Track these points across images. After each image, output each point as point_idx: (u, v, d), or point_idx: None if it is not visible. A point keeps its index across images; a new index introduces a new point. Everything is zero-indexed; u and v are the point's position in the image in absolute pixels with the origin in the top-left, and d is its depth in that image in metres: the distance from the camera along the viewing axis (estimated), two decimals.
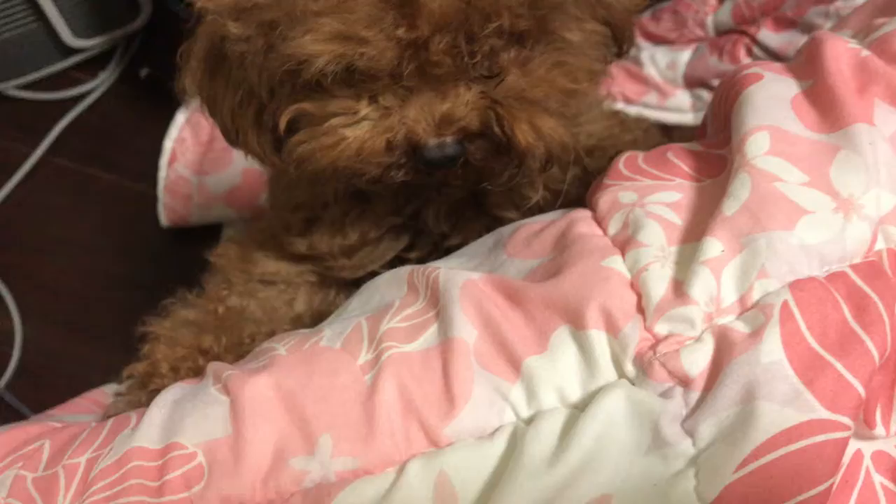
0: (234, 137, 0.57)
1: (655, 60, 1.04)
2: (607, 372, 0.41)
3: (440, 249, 0.62)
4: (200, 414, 0.43)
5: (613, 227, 0.46)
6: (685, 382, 0.39)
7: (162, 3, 1.16)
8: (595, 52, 0.53)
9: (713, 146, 0.51)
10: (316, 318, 0.62)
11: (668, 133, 0.77)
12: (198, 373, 0.55)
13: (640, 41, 1.08)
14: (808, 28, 0.94)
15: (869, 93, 0.48)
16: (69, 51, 1.23)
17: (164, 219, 1.15)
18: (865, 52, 0.50)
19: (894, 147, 0.46)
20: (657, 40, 1.07)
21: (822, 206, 0.42)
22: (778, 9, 0.98)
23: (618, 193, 0.48)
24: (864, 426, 0.39)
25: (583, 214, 0.49)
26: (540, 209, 0.61)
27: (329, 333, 0.46)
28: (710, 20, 1.04)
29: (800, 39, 0.91)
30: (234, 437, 0.41)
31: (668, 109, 1.03)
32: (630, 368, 0.41)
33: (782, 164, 0.44)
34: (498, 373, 0.42)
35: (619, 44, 0.56)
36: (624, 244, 0.45)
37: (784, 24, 0.96)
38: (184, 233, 1.16)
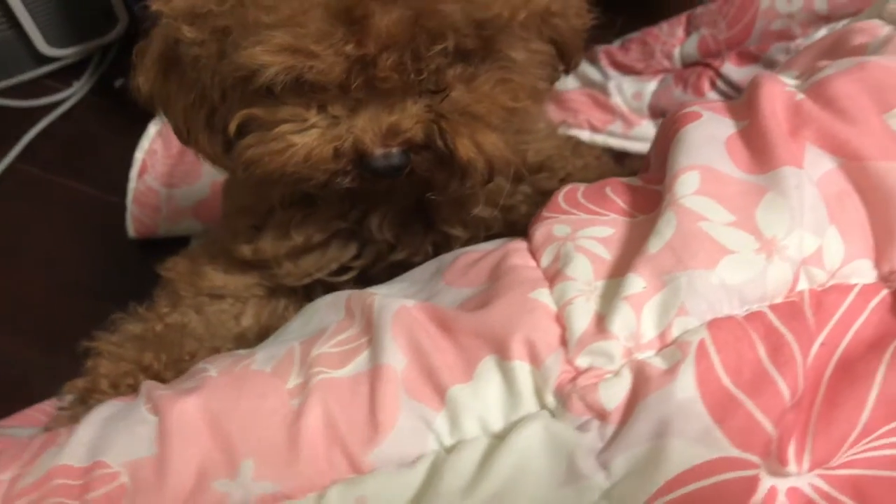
0: (186, 137, 0.58)
1: (622, 90, 1.06)
2: (529, 403, 0.41)
3: (386, 262, 0.63)
4: (128, 433, 0.43)
5: (545, 260, 0.47)
6: (602, 416, 0.40)
7: (139, 15, 1.17)
8: (539, 70, 0.54)
9: (652, 181, 0.52)
10: (263, 333, 0.63)
11: (622, 161, 0.78)
12: (138, 389, 0.56)
13: (608, 70, 1.10)
14: (769, 64, 0.96)
15: (801, 136, 0.49)
16: (43, 59, 1.23)
17: (131, 230, 1.15)
18: (800, 96, 0.51)
19: (822, 190, 0.47)
20: (625, 70, 1.09)
21: (745, 246, 0.43)
22: (742, 43, 1.00)
23: (553, 226, 0.49)
24: (778, 463, 0.40)
25: (519, 246, 0.50)
26: (487, 226, 0.62)
27: (261, 356, 0.47)
28: (677, 52, 1.06)
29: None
30: (159, 458, 0.42)
31: (632, 138, 1.04)
32: (551, 400, 0.41)
33: (709, 203, 0.45)
34: (424, 401, 0.42)
35: (566, 62, 0.57)
36: (553, 277, 0.45)
37: (747, 58, 0.98)
38: (151, 245, 1.15)
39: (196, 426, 0.42)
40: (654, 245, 0.44)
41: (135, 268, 1.15)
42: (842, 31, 0.62)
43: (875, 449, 0.40)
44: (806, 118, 0.49)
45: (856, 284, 0.45)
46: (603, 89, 1.07)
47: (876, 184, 0.46)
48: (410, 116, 0.49)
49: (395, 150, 0.49)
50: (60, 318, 1.07)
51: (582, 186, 0.54)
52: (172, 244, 1.13)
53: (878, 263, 0.46)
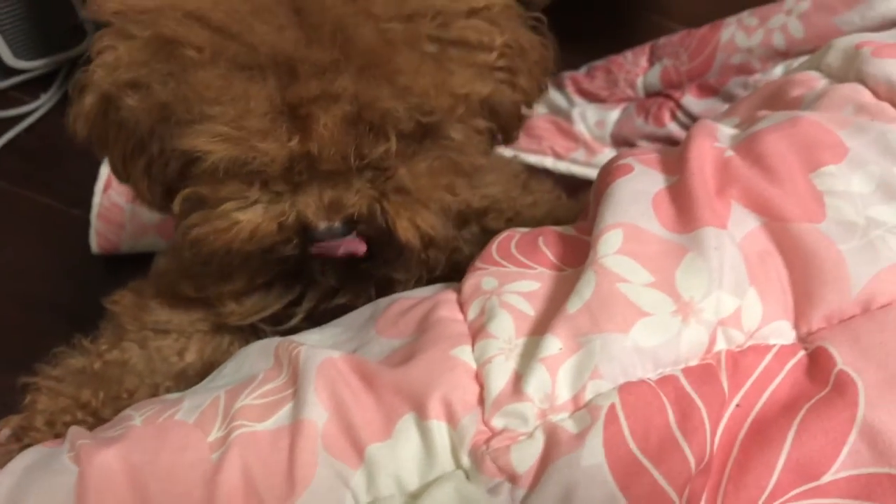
0: (124, 179, 0.58)
1: (585, 117, 1.07)
2: (445, 463, 0.42)
3: (330, 307, 0.63)
4: (46, 485, 0.43)
5: (472, 313, 0.47)
6: (513, 479, 0.40)
7: None
8: (479, 147, 0.56)
9: (585, 231, 0.53)
10: (206, 368, 0.63)
11: (576, 193, 0.79)
12: (77, 426, 0.56)
13: (574, 97, 1.11)
14: (728, 97, 0.97)
15: (727, 194, 0.50)
16: (10, 71, 1.22)
17: (95, 245, 1.15)
18: (729, 153, 0.52)
19: (745, 249, 0.48)
20: (590, 97, 1.10)
21: (662, 308, 0.44)
22: (703, 76, 1.01)
23: (482, 279, 0.49)
24: None
25: (449, 297, 0.50)
26: (430, 269, 0.63)
27: (187, 405, 0.47)
28: (640, 81, 1.07)
29: (720, 107, 0.94)
30: None
31: (594, 166, 1.05)
32: (466, 460, 0.42)
33: (630, 263, 0.45)
34: (342, 458, 0.43)
35: (506, 135, 0.59)
36: (476, 333, 0.46)
37: (707, 91, 0.99)
38: (114, 260, 1.15)
39: (115, 479, 0.43)
40: (573, 305, 0.44)
41: (97, 284, 1.14)
42: (782, 81, 0.63)
43: None
44: (733, 176, 0.50)
45: (774, 345, 0.46)
46: (567, 116, 1.08)
47: (797, 244, 0.47)
48: (354, 192, 0.51)
49: (338, 223, 0.51)
50: (18, 334, 1.07)
51: (518, 234, 0.54)
52: (135, 261, 1.12)
53: (796, 324, 0.46)
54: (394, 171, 0.51)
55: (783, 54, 0.95)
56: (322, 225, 0.51)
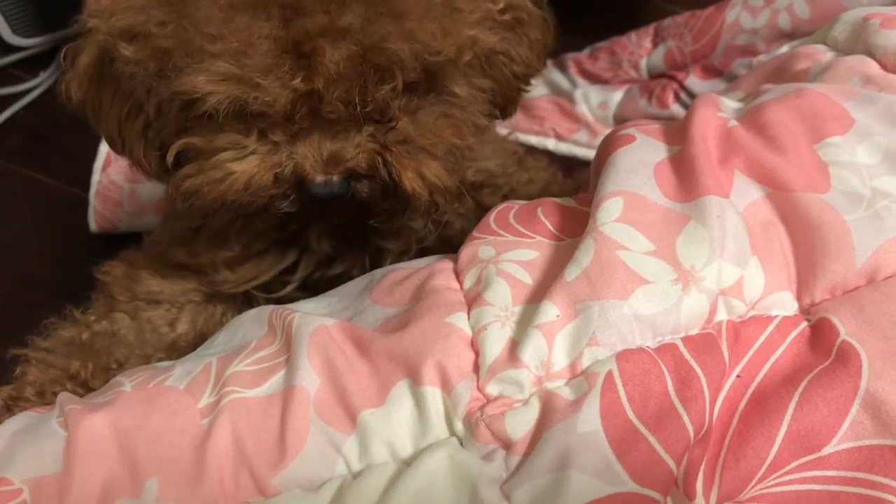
0: (119, 147, 0.57)
1: (588, 99, 1.05)
2: (439, 429, 0.41)
3: (325, 276, 0.63)
4: (35, 448, 0.42)
5: (468, 282, 0.47)
6: (507, 446, 0.39)
7: None
8: (480, 107, 0.55)
9: (585, 203, 0.52)
10: (199, 339, 0.62)
11: (572, 173, 0.78)
12: None
13: (577, 78, 1.10)
14: (732, 79, 0.96)
15: (730, 164, 0.49)
16: (10, 48, 1.22)
17: (93, 224, 1.14)
18: (733, 123, 0.51)
19: (748, 219, 0.47)
20: (593, 79, 1.09)
21: (662, 276, 0.43)
22: (707, 57, 1.00)
23: (479, 248, 0.48)
24: (685, 497, 0.40)
25: (445, 266, 0.49)
26: (419, 239, 0.62)
27: (178, 372, 0.46)
28: (643, 63, 1.06)
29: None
30: (63, 475, 0.41)
31: (596, 148, 1.04)
32: (460, 427, 0.41)
33: (630, 231, 0.44)
34: (334, 424, 0.42)
35: (501, 109, 0.58)
36: (472, 300, 0.45)
37: (711, 72, 0.98)
38: (113, 239, 1.14)
39: (104, 443, 0.42)
40: (571, 272, 0.43)
41: (94, 262, 1.14)
42: (787, 55, 0.62)
43: (783, 484, 0.40)
44: (735, 146, 0.49)
45: (776, 316, 0.45)
46: (570, 97, 1.07)
47: (801, 214, 0.46)
48: (354, 145, 0.49)
49: (335, 177, 0.49)
50: (14, 311, 1.06)
51: (517, 205, 0.53)
52: (134, 239, 1.12)
53: (799, 296, 0.45)
54: (396, 122, 0.49)
55: (788, 35, 0.94)
56: (319, 178, 0.49)
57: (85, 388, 0.58)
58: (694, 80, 0.99)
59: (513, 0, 0.53)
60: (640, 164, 0.48)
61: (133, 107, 0.54)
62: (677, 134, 0.51)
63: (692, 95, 0.98)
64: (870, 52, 0.55)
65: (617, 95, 1.05)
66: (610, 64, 1.08)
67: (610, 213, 0.45)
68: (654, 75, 1.05)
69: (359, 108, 0.47)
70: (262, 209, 0.52)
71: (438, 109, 0.51)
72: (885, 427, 0.39)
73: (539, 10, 0.58)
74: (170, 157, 0.51)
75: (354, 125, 0.49)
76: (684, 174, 0.47)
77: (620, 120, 1.04)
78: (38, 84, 1.25)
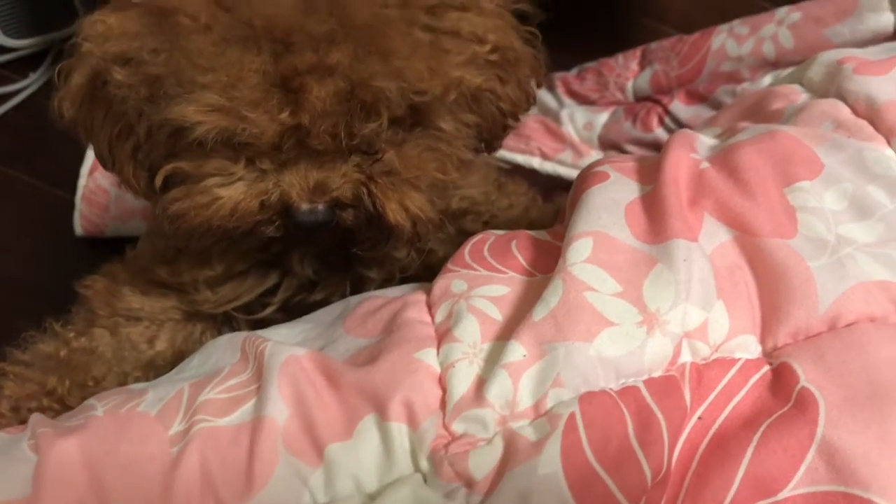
0: (110, 166, 0.58)
1: (574, 119, 1.06)
2: (404, 465, 0.42)
3: (306, 301, 0.63)
4: (4, 472, 0.43)
5: (439, 316, 0.47)
6: (469, 484, 0.40)
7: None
8: (466, 141, 0.56)
9: (558, 237, 0.53)
10: (177, 357, 0.63)
11: (552, 196, 0.79)
12: (43, 412, 0.55)
13: (564, 98, 1.11)
14: (716, 105, 0.97)
15: (700, 206, 0.50)
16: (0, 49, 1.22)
17: (78, 228, 1.14)
18: (705, 165, 0.52)
19: (715, 262, 0.48)
20: (579, 99, 1.10)
21: (628, 318, 0.44)
22: (692, 82, 1.01)
23: (452, 281, 0.49)
24: None
25: (418, 298, 0.50)
26: (402, 268, 0.63)
27: (151, 397, 0.47)
28: (630, 85, 1.07)
29: (708, 115, 0.94)
30: (31, 500, 0.42)
31: (581, 168, 1.04)
32: (424, 464, 0.42)
33: (598, 272, 0.45)
34: (301, 456, 0.42)
35: (487, 142, 0.59)
36: (443, 336, 0.46)
37: (695, 98, 0.99)
38: (98, 243, 1.14)
39: (73, 469, 0.42)
40: (539, 313, 0.44)
41: (79, 266, 1.14)
42: (764, 92, 0.63)
43: None
44: (706, 188, 0.50)
45: (739, 359, 0.46)
46: (556, 117, 1.08)
47: (767, 259, 0.47)
48: (340, 175, 0.51)
49: (321, 206, 0.50)
50: None
51: (492, 237, 0.54)
52: (119, 244, 1.12)
53: (763, 339, 0.46)
54: (382, 154, 0.51)
55: (773, 64, 0.95)
56: (305, 206, 0.50)
57: (61, 404, 0.58)
58: (678, 105, 1.00)
59: (501, 41, 0.54)
60: (612, 203, 0.49)
61: (124, 128, 0.55)
62: (650, 173, 0.52)
63: (676, 120, 1.00)
64: (842, 97, 0.56)
65: (602, 117, 1.06)
66: (597, 85, 1.09)
67: (579, 253, 0.46)
68: (640, 98, 1.06)
69: (344, 141, 0.49)
70: (247, 233, 0.53)
71: (424, 143, 0.53)
72: (839, 474, 0.40)
73: (530, 49, 0.59)
74: (158, 181, 0.53)
75: (341, 156, 0.51)
76: (654, 216, 0.48)
77: (605, 141, 1.05)
78: (27, 85, 1.25)
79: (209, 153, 0.50)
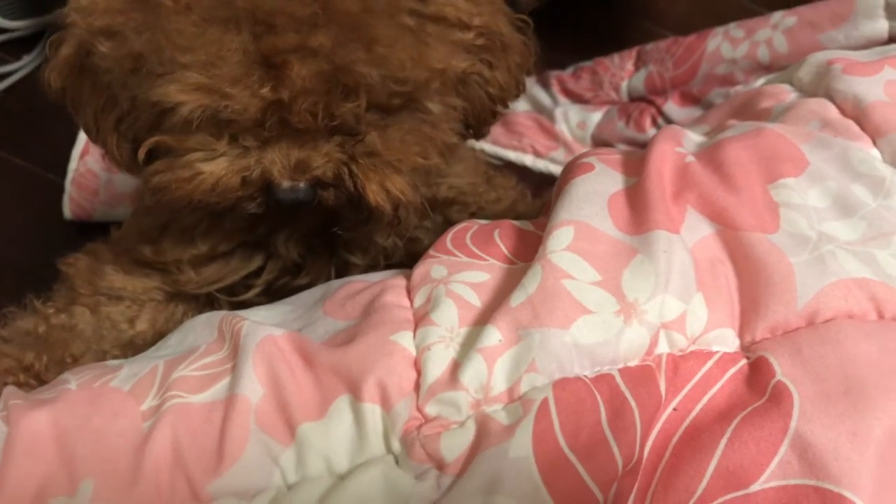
0: (95, 137, 0.58)
1: (568, 118, 1.06)
2: (376, 446, 0.42)
3: (290, 286, 0.63)
4: None
5: (418, 301, 0.47)
6: (440, 466, 0.40)
7: None
8: (452, 125, 0.56)
9: (542, 227, 0.52)
10: (157, 338, 0.62)
11: (541, 192, 0.79)
12: (20, 388, 0.55)
13: (559, 96, 1.11)
14: (708, 107, 0.97)
15: (683, 199, 0.50)
16: None
17: (67, 211, 1.14)
18: (690, 158, 0.52)
19: (696, 255, 0.48)
20: (574, 98, 1.10)
21: (605, 307, 0.44)
22: (686, 84, 1.01)
23: (432, 267, 0.49)
24: None
25: (398, 282, 0.50)
26: (387, 255, 0.63)
27: (125, 373, 0.46)
28: (624, 85, 1.07)
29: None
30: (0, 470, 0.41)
31: None
32: (396, 445, 0.42)
33: (578, 261, 0.45)
34: (273, 434, 0.42)
35: (476, 129, 0.58)
36: (420, 320, 0.46)
37: (689, 100, 0.99)
38: (87, 227, 1.14)
39: (43, 441, 0.42)
40: (517, 298, 0.44)
41: (67, 250, 1.14)
42: (754, 91, 0.63)
43: None
44: (690, 182, 0.50)
45: (716, 352, 0.46)
46: (550, 115, 1.08)
47: (748, 253, 0.47)
48: (321, 154, 0.51)
49: (302, 184, 0.51)
50: None
51: (475, 226, 0.54)
52: (107, 229, 1.12)
53: (741, 333, 0.46)
54: (364, 136, 0.51)
55: (766, 68, 0.95)
56: (286, 183, 0.50)
57: (38, 380, 0.58)
58: (672, 107, 1.00)
59: (489, 25, 0.54)
60: (595, 194, 0.49)
61: (108, 99, 0.55)
62: (636, 165, 0.52)
63: (669, 121, 0.99)
64: (830, 97, 0.57)
65: (596, 116, 1.06)
66: (592, 84, 1.09)
67: (560, 241, 0.46)
68: (634, 98, 1.06)
69: (325, 121, 0.49)
70: (229, 209, 0.53)
71: (408, 126, 0.53)
72: (811, 468, 0.40)
73: (520, 35, 0.59)
74: (141, 154, 0.53)
75: (323, 136, 0.51)
76: (637, 207, 0.48)
77: (598, 140, 1.05)
78: (20, 67, 1.24)
79: (193, 129, 0.50)
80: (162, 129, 0.52)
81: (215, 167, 0.51)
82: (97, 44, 0.50)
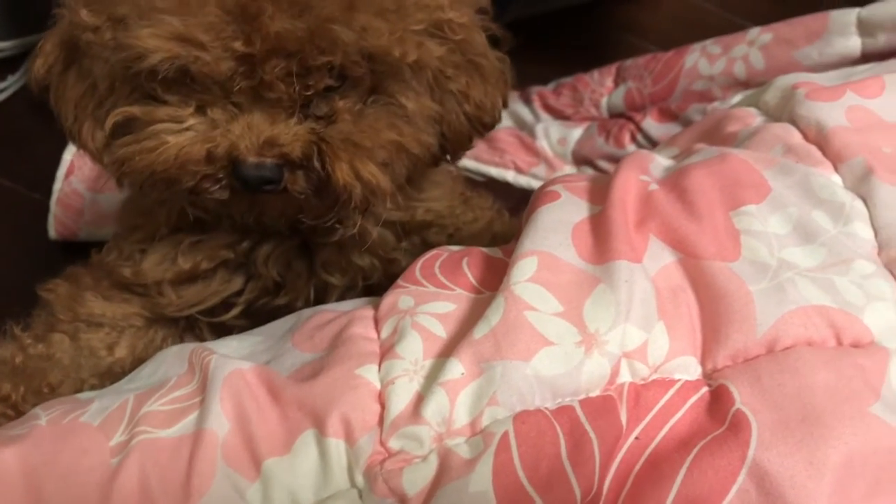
0: (73, 131, 0.58)
1: (549, 134, 1.07)
2: (340, 481, 0.42)
3: (269, 305, 0.64)
4: None
5: (385, 332, 0.48)
6: (402, 500, 0.41)
7: None
8: (427, 125, 0.56)
9: (510, 253, 0.53)
10: (136, 365, 0.62)
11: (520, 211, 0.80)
12: None
13: (540, 112, 1.12)
14: (686, 123, 0.98)
15: (646, 228, 0.50)
16: None
17: (53, 231, 1.14)
18: (654, 186, 0.53)
19: (658, 283, 0.48)
20: (555, 114, 1.11)
21: (567, 338, 0.44)
22: (665, 100, 1.02)
23: (400, 297, 0.50)
24: None
25: (366, 313, 0.50)
26: (365, 276, 0.63)
27: (95, 407, 0.47)
28: (604, 101, 1.08)
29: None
30: None
31: None
32: (360, 480, 0.42)
33: (541, 291, 0.46)
34: (239, 470, 0.43)
35: (451, 152, 0.60)
36: (386, 352, 0.46)
37: (667, 116, 1.00)
38: (72, 247, 1.15)
39: (12, 479, 0.43)
40: (480, 330, 0.45)
41: (52, 270, 1.15)
42: (721, 115, 0.64)
43: None
44: (653, 210, 0.51)
45: (678, 380, 0.46)
46: (531, 131, 1.09)
47: (709, 282, 0.48)
48: (291, 133, 0.50)
49: (269, 161, 0.50)
50: None
51: (445, 254, 0.55)
52: (92, 248, 1.12)
53: (703, 361, 0.47)
54: (336, 118, 0.51)
55: (743, 84, 0.96)
56: (252, 159, 0.50)
57: (15, 410, 0.58)
58: (650, 123, 1.01)
59: (466, 37, 0.54)
60: (560, 223, 0.50)
61: (89, 87, 0.55)
62: (602, 193, 0.53)
63: (648, 137, 1.00)
64: (794, 122, 0.57)
65: (576, 132, 1.06)
66: (572, 100, 1.10)
67: (523, 272, 0.47)
68: (614, 114, 1.07)
69: (298, 88, 0.49)
70: (192, 191, 0.52)
71: (384, 117, 0.53)
72: (768, 496, 0.41)
73: (499, 64, 0.60)
74: (108, 123, 0.52)
75: (294, 114, 0.51)
76: (600, 236, 0.49)
77: (578, 156, 1.06)
78: (5, 88, 1.25)
79: (161, 99, 0.50)
80: (132, 100, 0.52)
81: (181, 139, 0.50)
82: (80, 14, 0.50)
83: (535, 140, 1.08)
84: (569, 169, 1.06)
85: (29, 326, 0.67)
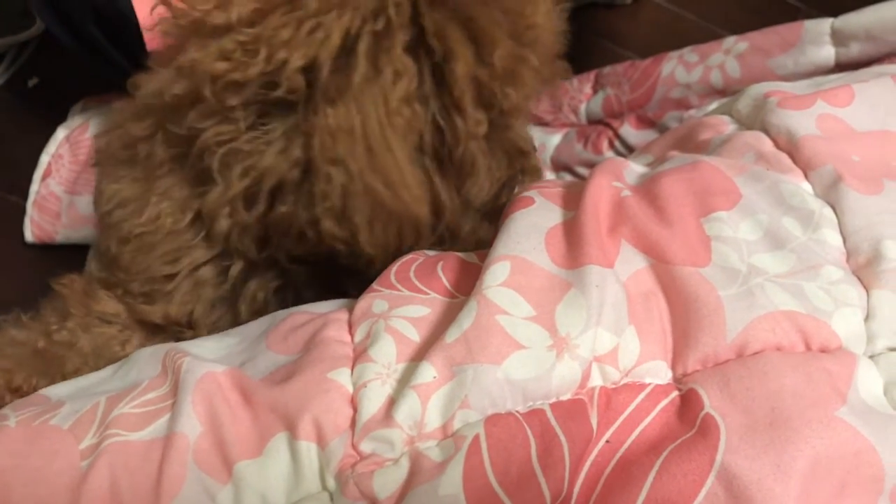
0: None
1: None
2: (312, 484, 0.42)
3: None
4: None
5: (359, 336, 0.48)
6: (373, 503, 0.41)
7: None
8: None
9: (485, 259, 0.53)
10: None
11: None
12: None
13: None
14: (663, 130, 0.99)
15: (618, 233, 0.51)
16: None
17: (29, 234, 1.14)
18: (626, 193, 0.53)
19: (630, 289, 0.49)
20: (535, 120, 1.11)
21: (538, 342, 0.45)
22: (642, 107, 1.03)
23: (374, 301, 0.50)
24: None
25: (340, 317, 0.50)
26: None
27: (66, 410, 0.47)
28: (583, 108, 1.09)
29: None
30: None
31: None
32: (332, 483, 0.42)
33: (513, 296, 0.46)
34: (210, 473, 0.43)
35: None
36: (359, 356, 0.46)
37: (644, 123, 1.01)
38: (48, 250, 1.14)
39: None
40: (452, 334, 0.45)
41: (28, 273, 1.14)
42: (695, 123, 0.64)
43: None
44: (625, 216, 0.51)
45: (648, 384, 0.47)
46: None
47: (679, 287, 0.48)
48: None
49: None
50: None
51: (421, 258, 0.55)
52: (70, 251, 1.11)
53: (673, 365, 0.47)
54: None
55: (720, 92, 0.97)
56: None
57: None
58: (628, 129, 1.01)
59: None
60: (534, 228, 0.50)
61: None
62: (576, 198, 0.53)
63: (625, 143, 1.01)
64: (766, 129, 0.58)
65: (555, 139, 1.07)
66: (551, 107, 1.11)
67: (496, 276, 0.47)
68: (593, 121, 1.08)
69: None
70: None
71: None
72: (737, 500, 0.41)
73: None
74: None
75: None
76: (572, 241, 0.49)
77: (557, 163, 1.06)
78: None
79: None
80: None
81: None
82: None
83: None
84: (548, 175, 1.07)
85: (37, 317, 0.66)
